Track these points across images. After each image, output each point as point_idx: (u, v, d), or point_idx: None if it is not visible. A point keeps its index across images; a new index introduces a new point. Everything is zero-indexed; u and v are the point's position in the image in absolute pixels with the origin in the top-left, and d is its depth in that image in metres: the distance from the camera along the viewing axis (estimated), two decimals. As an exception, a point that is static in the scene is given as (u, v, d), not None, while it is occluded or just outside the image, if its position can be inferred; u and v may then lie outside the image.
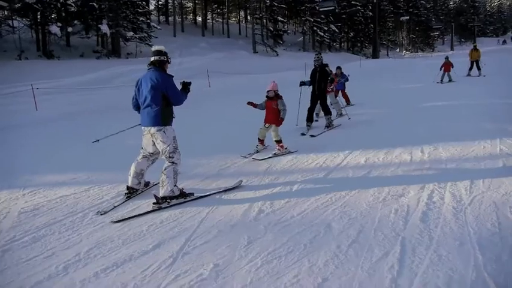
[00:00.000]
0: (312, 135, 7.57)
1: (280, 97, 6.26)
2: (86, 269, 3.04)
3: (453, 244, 3.01)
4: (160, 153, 4.44)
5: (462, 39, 78.91)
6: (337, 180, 4.73)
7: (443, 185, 4.26)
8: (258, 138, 6.43)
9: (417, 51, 61.15)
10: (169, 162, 4.33)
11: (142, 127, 4.45)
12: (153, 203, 4.20)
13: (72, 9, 26.47)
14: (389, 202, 3.92)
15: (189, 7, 50.19)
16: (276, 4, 40.75)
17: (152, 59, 4.40)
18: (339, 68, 11.39)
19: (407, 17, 55.49)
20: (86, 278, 2.90)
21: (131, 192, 4.60)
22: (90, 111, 12.56)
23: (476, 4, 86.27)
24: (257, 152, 6.32)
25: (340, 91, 11.11)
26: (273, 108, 6.23)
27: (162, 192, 4.25)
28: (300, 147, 6.47)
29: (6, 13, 25.29)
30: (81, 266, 3.08)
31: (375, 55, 46.96)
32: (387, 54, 52.85)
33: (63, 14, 25.86)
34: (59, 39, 26.33)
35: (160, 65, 4.39)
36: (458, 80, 16.99)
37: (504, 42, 68.87)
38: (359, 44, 52.84)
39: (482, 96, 11.48)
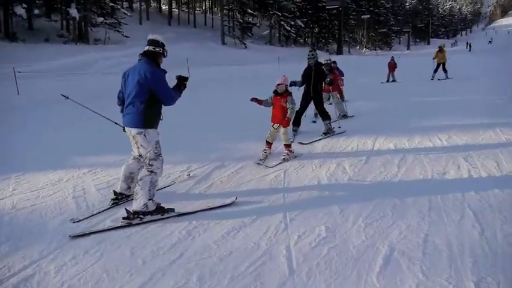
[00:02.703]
0: (300, 143, 6.59)
1: (290, 93, 5.71)
2: (209, 233, 3.44)
3: (510, 209, 3.71)
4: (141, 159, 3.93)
5: (417, 40, 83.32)
6: (380, 162, 5.34)
7: (475, 165, 5.00)
8: (267, 141, 5.83)
9: (376, 49, 63.81)
10: (148, 171, 3.82)
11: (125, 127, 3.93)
12: (123, 218, 3.68)
13: (38, -10, 25.21)
14: (438, 179, 4.61)
15: (154, -6, 49.26)
16: (246, -4, 41.11)
17: (146, 48, 3.86)
18: (334, 62, 11.07)
19: (368, 16, 57.87)
20: (217, 240, 3.31)
21: (119, 198, 4.14)
22: (78, 97, 12.43)
23: (430, 6, 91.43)
24: (266, 157, 5.69)
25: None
26: (282, 106, 5.66)
27: (134, 205, 3.72)
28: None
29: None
30: (202, 232, 3.48)
31: (339, 51, 48.56)
32: (349, 51, 54.81)
33: (29, -5, 24.65)
34: (23, 22, 25.19)
35: (153, 57, 3.84)
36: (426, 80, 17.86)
37: (455, 43, 73.49)
38: (323, 40, 54.38)
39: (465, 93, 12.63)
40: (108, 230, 3.54)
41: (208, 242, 3.28)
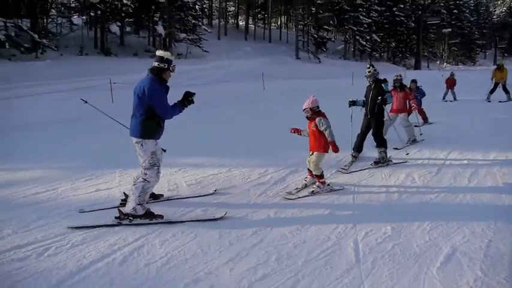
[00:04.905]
0: (339, 171, 5.88)
1: (321, 114, 4.97)
2: (285, 225, 3.93)
3: None
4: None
5: (505, 54, 77.36)
6: (451, 174, 5.49)
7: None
8: (308, 169, 5.23)
9: (457, 64, 60.60)
10: (142, 178, 4.07)
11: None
12: (115, 217, 4.02)
13: (130, 10, 27.72)
14: (510, 192, 4.69)
15: (231, 11, 51.64)
16: (321, 12, 41.59)
17: (153, 64, 4.05)
18: (414, 81, 10.44)
19: (450, 30, 55.23)
20: (292, 231, 3.79)
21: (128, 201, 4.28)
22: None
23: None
24: (306, 185, 5.17)
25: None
26: (312, 131, 5.02)
27: (126, 207, 4.05)
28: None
29: (63, 10, 27.11)
30: (279, 223, 3.98)
31: (417, 66, 47.01)
32: (428, 66, 52.77)
33: (123, 14, 27.30)
34: (116, 38, 27.95)
35: (158, 72, 4.01)
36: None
37: None
38: (400, 55, 52.95)
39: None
40: (100, 226, 3.90)
41: (285, 232, 3.77)
